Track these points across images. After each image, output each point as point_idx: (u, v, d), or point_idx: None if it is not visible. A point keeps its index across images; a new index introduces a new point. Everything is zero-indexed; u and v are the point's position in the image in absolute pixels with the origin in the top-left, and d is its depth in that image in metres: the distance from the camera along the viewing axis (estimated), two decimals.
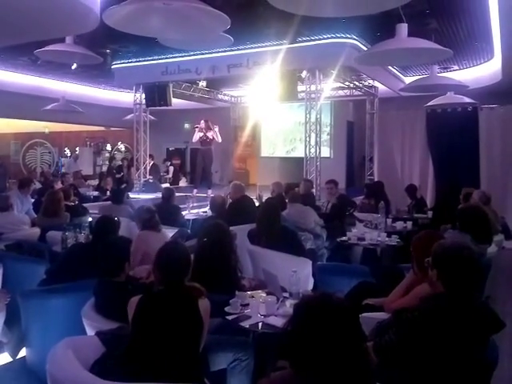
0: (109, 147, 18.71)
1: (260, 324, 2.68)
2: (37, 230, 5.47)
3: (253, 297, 3.02)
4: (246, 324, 2.66)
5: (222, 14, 4.50)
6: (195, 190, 10.81)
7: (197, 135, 10.67)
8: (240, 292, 2.97)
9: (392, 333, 2.17)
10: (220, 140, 10.92)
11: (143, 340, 2.28)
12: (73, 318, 2.90)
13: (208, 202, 8.22)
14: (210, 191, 10.46)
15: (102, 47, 9.57)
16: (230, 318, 2.75)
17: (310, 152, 9.95)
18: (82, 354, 2.28)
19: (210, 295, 2.52)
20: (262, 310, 2.80)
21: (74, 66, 9.81)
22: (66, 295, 3.23)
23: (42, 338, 3.27)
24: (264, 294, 3.09)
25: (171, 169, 15.28)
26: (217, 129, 10.77)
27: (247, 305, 2.87)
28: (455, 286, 2.17)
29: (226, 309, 2.81)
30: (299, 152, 12.63)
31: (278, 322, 2.63)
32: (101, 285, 2.87)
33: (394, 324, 2.28)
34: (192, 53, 10.47)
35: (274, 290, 3.08)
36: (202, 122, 10.73)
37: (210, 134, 10.63)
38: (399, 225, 5.99)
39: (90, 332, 2.69)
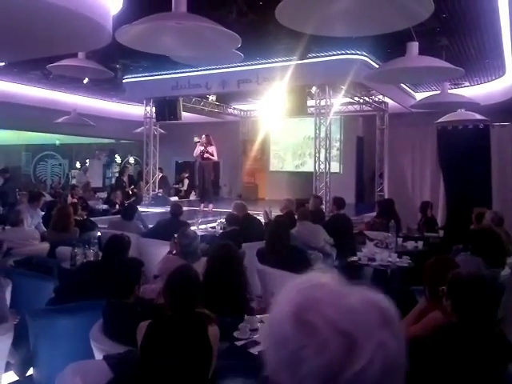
0: (118, 160, 18.81)
1: None
2: (46, 245, 5.48)
3: (262, 321, 2.97)
4: (254, 351, 2.61)
5: (234, 34, 4.52)
6: (202, 205, 10.76)
7: (198, 149, 10.65)
8: (249, 316, 2.93)
9: None
10: (216, 159, 10.90)
11: (152, 366, 2.25)
12: (81, 339, 2.87)
13: (212, 218, 8.27)
14: (211, 206, 10.41)
15: (114, 62, 9.68)
16: (238, 343, 2.71)
17: (319, 168, 9.93)
18: (90, 379, 2.26)
19: (219, 318, 2.49)
20: None
21: (85, 81, 9.90)
22: (74, 315, 3.21)
23: (49, 357, 3.24)
24: None
25: (186, 181, 15.28)
26: (214, 148, 10.73)
27: (256, 330, 2.83)
28: (470, 316, 2.13)
29: (235, 334, 2.77)
30: (308, 167, 12.61)
31: None
32: (109, 306, 2.85)
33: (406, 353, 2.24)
34: (202, 68, 10.54)
35: None
36: (204, 136, 10.72)
37: (210, 149, 10.60)
38: (410, 244, 5.92)
39: (98, 355, 2.67)
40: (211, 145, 10.62)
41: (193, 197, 14.50)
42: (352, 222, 6.86)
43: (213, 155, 10.62)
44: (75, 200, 8.76)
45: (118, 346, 2.60)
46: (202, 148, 10.54)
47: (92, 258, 4.63)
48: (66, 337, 3.21)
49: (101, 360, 2.46)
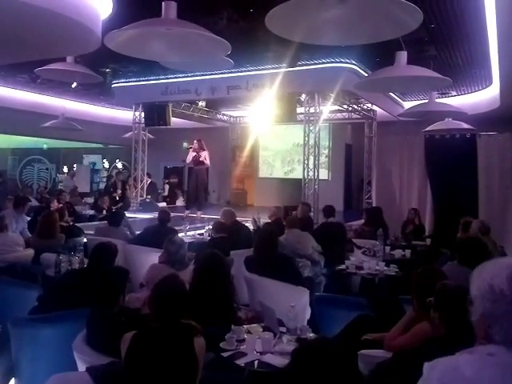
0: (106, 164, 18.64)
1: (256, 362, 2.59)
2: (31, 252, 5.40)
3: (249, 331, 2.94)
4: (241, 362, 2.57)
5: (224, 41, 4.51)
6: (187, 211, 10.63)
7: (190, 155, 10.56)
8: (236, 327, 2.89)
9: (393, 377, 2.11)
10: (209, 164, 10.84)
11: (136, 378, 2.21)
12: (64, 349, 2.82)
13: (200, 224, 8.20)
14: (199, 212, 10.28)
15: (103, 66, 9.61)
16: (225, 354, 2.67)
17: (308, 174, 9.93)
18: None
19: (205, 328, 2.45)
20: (258, 346, 2.71)
21: (74, 85, 9.82)
22: (57, 325, 3.15)
23: (31, 368, 3.18)
24: (260, 329, 3.01)
25: (166, 187, 15.24)
26: (207, 153, 10.67)
27: (243, 340, 2.80)
28: (458, 329, 2.11)
29: (222, 345, 2.73)
30: (297, 173, 12.61)
31: (275, 360, 2.56)
32: (93, 316, 2.79)
33: (394, 367, 2.22)
34: (192, 74, 10.52)
35: (271, 324, 3.01)
36: (195, 142, 10.64)
37: (203, 155, 10.52)
38: (398, 253, 5.94)
39: (81, 366, 2.61)
40: (203, 150, 10.54)
41: (180, 202, 14.42)
42: (345, 229, 6.85)
43: (206, 160, 10.56)
44: (61, 205, 8.65)
45: (102, 357, 2.55)
46: (195, 154, 10.47)
47: (77, 266, 4.56)
48: (49, 347, 3.15)
49: (84, 372, 2.41)
